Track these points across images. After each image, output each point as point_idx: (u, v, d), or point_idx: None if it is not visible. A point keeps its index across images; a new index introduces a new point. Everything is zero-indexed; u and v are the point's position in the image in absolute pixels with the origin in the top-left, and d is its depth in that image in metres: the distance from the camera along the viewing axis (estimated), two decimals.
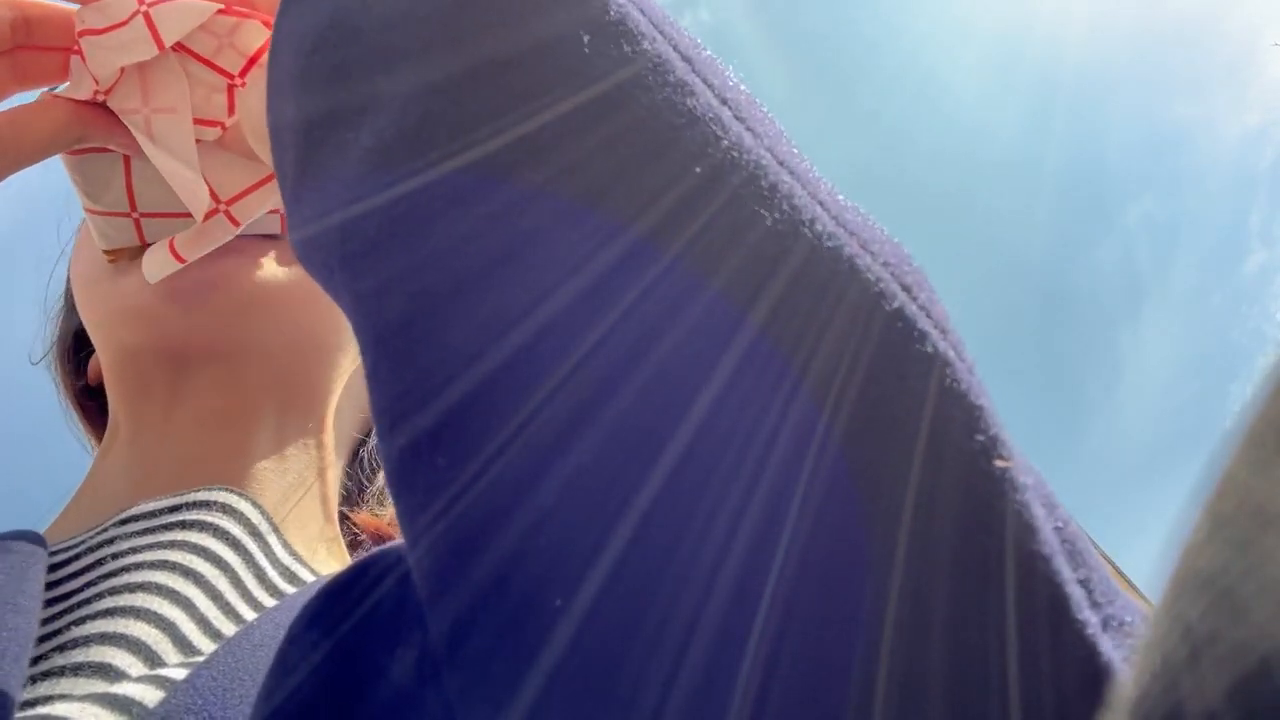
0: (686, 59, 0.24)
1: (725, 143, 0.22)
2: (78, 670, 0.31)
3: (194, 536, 0.38)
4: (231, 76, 0.42)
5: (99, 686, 0.30)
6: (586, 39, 0.23)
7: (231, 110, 0.43)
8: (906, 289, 0.21)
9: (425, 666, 0.24)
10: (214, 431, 0.45)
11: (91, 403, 0.56)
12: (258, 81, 0.35)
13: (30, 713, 0.27)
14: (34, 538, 0.37)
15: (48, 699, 0.29)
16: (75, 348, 0.57)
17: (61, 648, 0.32)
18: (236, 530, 0.40)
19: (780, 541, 0.18)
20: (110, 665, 0.31)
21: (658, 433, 0.20)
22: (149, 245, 0.45)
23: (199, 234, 0.44)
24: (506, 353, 0.21)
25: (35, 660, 0.32)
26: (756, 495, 0.19)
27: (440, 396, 0.22)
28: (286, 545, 0.43)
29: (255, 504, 0.42)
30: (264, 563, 0.40)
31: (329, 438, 0.49)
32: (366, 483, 0.55)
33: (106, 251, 0.47)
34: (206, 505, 0.40)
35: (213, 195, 0.44)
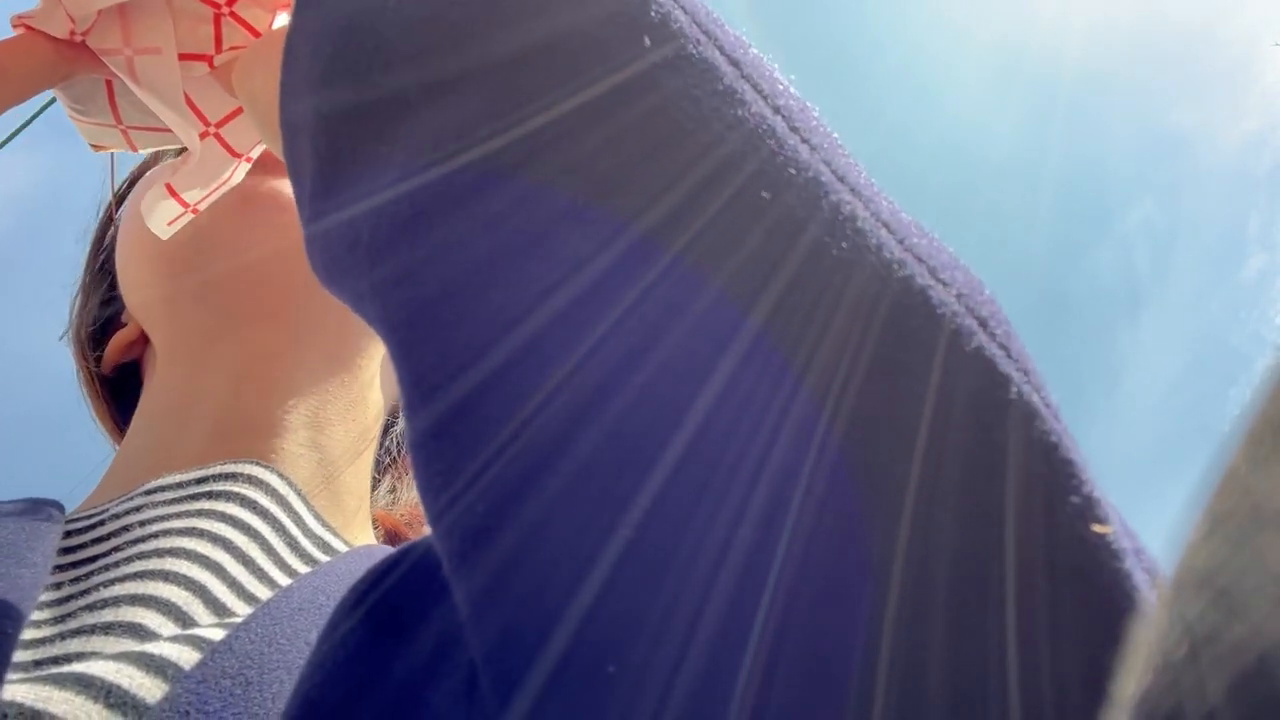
0: (734, 62, 0.23)
1: (780, 158, 0.21)
2: (108, 629, 0.31)
3: (221, 506, 0.38)
4: (218, 6, 0.40)
5: (131, 645, 0.30)
6: (626, 42, 0.22)
7: (219, 43, 0.41)
8: (982, 323, 0.19)
9: (472, 686, 0.24)
10: (247, 400, 0.45)
11: (106, 388, 0.57)
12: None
13: (65, 669, 0.26)
14: (51, 503, 0.37)
15: (80, 655, 0.29)
16: (94, 329, 0.57)
17: (90, 607, 0.32)
18: (264, 500, 0.40)
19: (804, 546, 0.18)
20: (141, 625, 0.31)
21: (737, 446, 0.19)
22: (138, 150, 0.45)
23: (196, 170, 0.42)
24: (553, 340, 0.21)
25: (63, 618, 0.32)
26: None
27: (452, 386, 0.22)
28: (318, 516, 0.43)
29: (283, 476, 0.42)
30: (295, 532, 0.40)
31: (365, 415, 0.50)
32: (380, 476, 0.55)
33: (94, 146, 0.46)
34: (233, 477, 0.40)
35: (201, 118, 0.42)
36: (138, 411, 0.49)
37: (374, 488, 0.54)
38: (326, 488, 0.46)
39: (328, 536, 0.42)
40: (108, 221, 0.59)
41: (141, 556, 0.34)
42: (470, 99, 0.23)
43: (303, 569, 0.38)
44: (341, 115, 0.25)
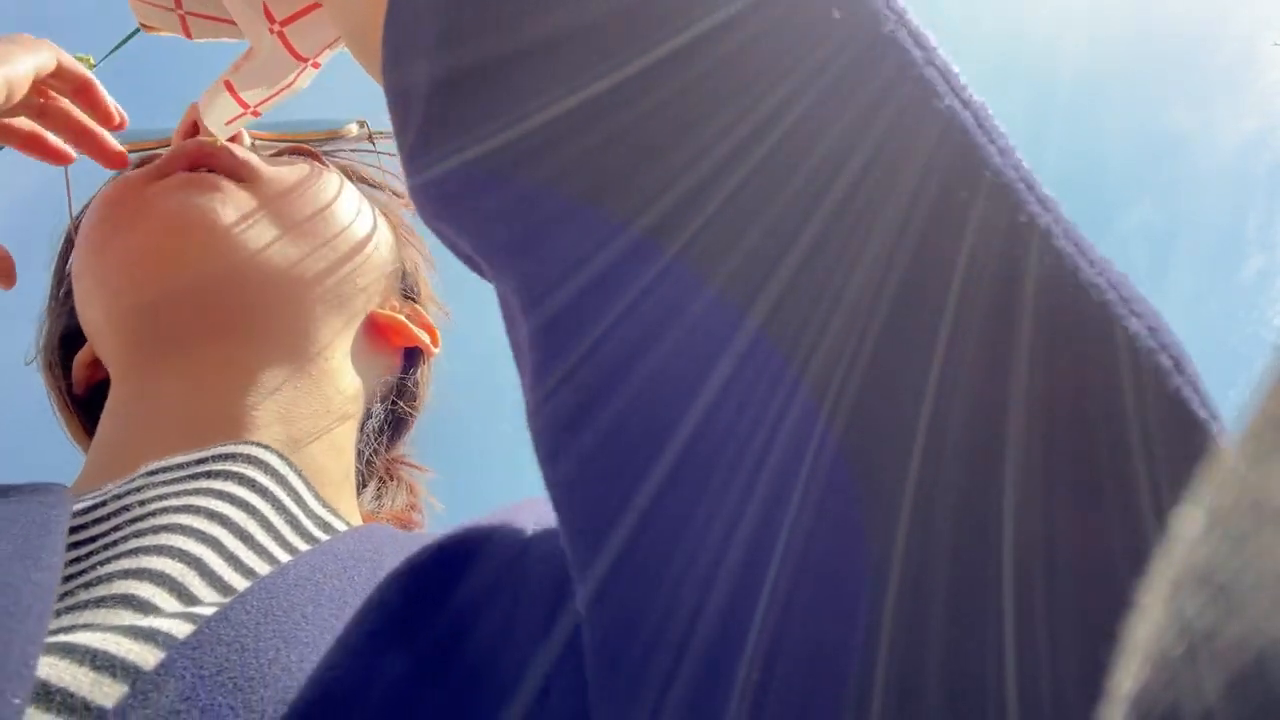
0: (921, 47, 0.22)
1: (976, 159, 0.20)
2: (100, 602, 0.31)
3: (219, 484, 0.39)
4: None
5: (125, 617, 0.30)
6: (823, 13, 0.21)
7: None
8: (1176, 364, 0.19)
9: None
10: (211, 402, 0.45)
11: (79, 408, 0.57)
12: None
13: (50, 640, 0.26)
14: (58, 489, 0.37)
15: (71, 629, 0.29)
16: (63, 347, 0.57)
17: (86, 585, 0.32)
18: (264, 479, 0.40)
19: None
20: (134, 596, 0.31)
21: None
22: (193, 38, 0.44)
23: (259, 69, 0.41)
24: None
25: (60, 597, 0.32)
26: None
27: (547, 300, 0.22)
28: (318, 496, 0.43)
29: (283, 456, 0.43)
30: (296, 510, 0.40)
31: (340, 404, 0.50)
32: (364, 469, 0.55)
33: (144, 26, 0.44)
34: (233, 457, 0.41)
35: (267, 14, 0.40)
36: (103, 416, 0.49)
37: (360, 487, 0.54)
38: (308, 476, 0.46)
39: (328, 516, 0.42)
40: (68, 246, 0.59)
41: (138, 535, 0.34)
42: (591, 66, 0.22)
43: (304, 546, 0.39)
44: (453, 76, 0.24)
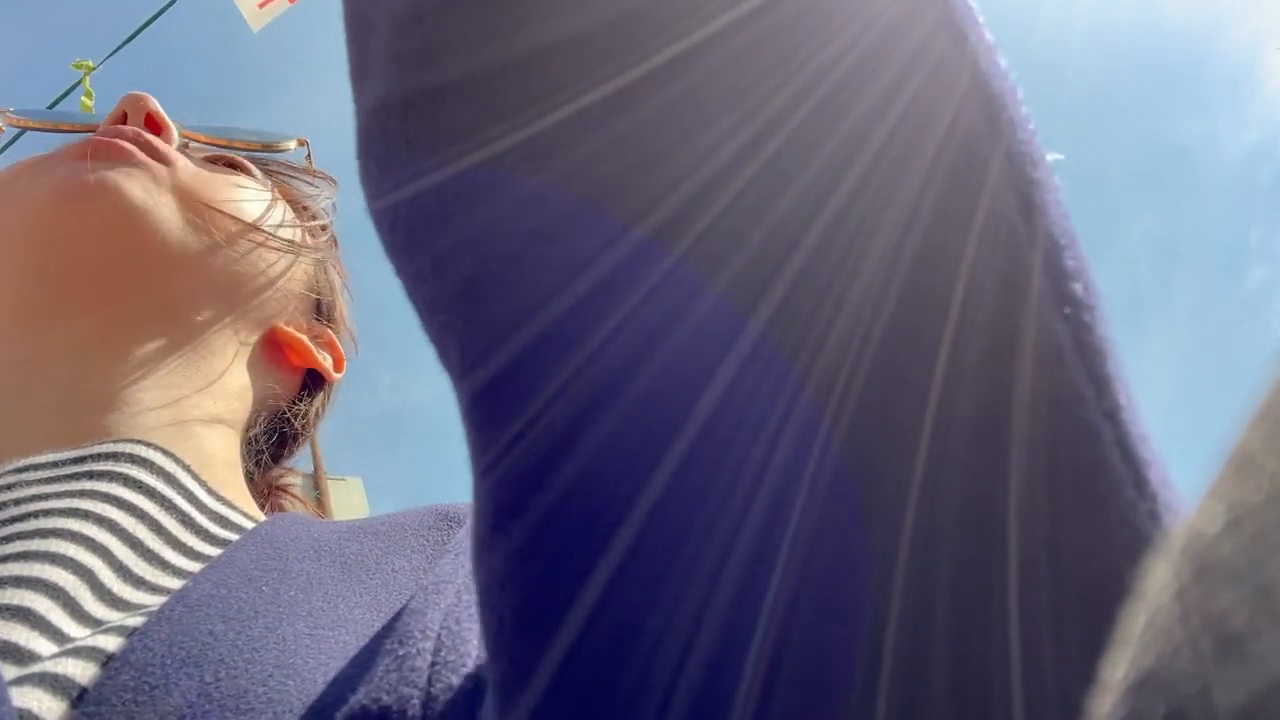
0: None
1: (979, 162, 0.19)
2: None
3: (103, 486, 0.37)
4: None
5: (21, 631, 0.29)
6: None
7: None
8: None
9: None
10: (94, 375, 0.44)
11: None
12: None
13: None
14: None
15: None
16: None
17: None
18: (150, 479, 0.39)
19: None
20: (31, 610, 0.30)
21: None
22: None
23: None
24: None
25: None
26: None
27: (489, 360, 0.21)
28: (211, 490, 0.41)
29: (168, 453, 0.41)
30: (188, 508, 0.39)
31: (226, 400, 0.49)
32: (255, 492, 0.54)
33: None
34: (114, 456, 0.39)
35: None
36: None
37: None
38: (196, 468, 0.44)
39: (224, 510, 0.41)
40: None
41: (22, 536, 0.33)
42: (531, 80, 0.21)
43: (201, 545, 0.38)
44: (399, 99, 0.23)
